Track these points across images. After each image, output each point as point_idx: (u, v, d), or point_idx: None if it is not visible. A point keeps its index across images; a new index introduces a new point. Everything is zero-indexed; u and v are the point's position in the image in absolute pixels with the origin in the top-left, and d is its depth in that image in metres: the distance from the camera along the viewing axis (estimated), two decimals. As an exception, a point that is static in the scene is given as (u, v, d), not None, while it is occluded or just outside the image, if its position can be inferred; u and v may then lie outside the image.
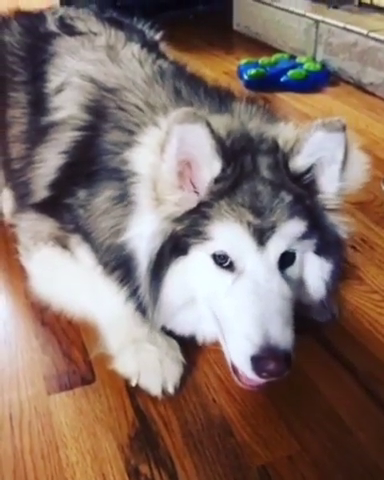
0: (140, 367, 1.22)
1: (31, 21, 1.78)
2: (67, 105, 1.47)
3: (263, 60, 3.10)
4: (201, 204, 1.09)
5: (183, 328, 1.26)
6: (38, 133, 1.51)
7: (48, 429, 1.15)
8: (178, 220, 1.10)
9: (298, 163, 1.10)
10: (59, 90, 1.51)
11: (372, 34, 2.84)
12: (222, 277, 1.09)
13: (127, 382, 1.24)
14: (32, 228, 1.48)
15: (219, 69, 3.30)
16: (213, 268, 1.10)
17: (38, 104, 1.55)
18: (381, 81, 2.83)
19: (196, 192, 1.10)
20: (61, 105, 1.48)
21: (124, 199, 1.22)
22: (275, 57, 3.17)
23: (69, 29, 1.66)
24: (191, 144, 1.04)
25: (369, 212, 1.86)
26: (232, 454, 1.10)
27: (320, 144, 1.08)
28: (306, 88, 2.91)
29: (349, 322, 1.40)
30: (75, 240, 1.38)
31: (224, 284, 1.09)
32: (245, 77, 2.99)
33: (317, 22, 3.20)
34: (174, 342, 1.28)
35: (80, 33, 1.64)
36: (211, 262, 1.10)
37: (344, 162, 1.11)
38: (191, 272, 1.12)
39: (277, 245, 1.08)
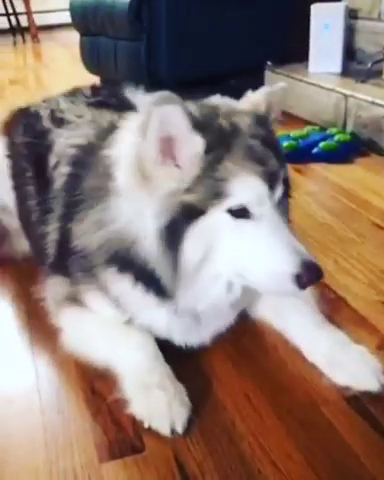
0: (151, 411, 1.34)
1: (29, 121, 1.98)
2: (60, 171, 1.67)
3: (295, 133, 3.24)
4: (206, 171, 1.25)
5: (206, 303, 1.41)
6: (47, 206, 1.69)
7: (101, 497, 1.20)
8: (189, 190, 1.26)
9: (270, 121, 1.41)
10: (56, 166, 1.71)
11: (400, 108, 2.96)
12: (242, 227, 1.28)
13: (176, 451, 1.29)
14: (52, 292, 1.65)
15: (252, 141, 3.45)
16: (231, 221, 1.27)
17: (44, 188, 1.73)
18: (410, 152, 2.93)
19: (182, 166, 1.26)
20: (57, 174, 1.68)
21: (100, 200, 1.41)
22: (306, 129, 3.31)
23: (59, 122, 1.86)
24: (170, 123, 1.21)
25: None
26: None
27: (277, 99, 1.46)
28: (338, 159, 3.02)
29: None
30: (84, 288, 1.53)
31: (245, 232, 1.29)
32: (278, 149, 3.12)
33: (346, 96, 3.35)
34: (181, 387, 1.39)
35: (68, 122, 1.83)
36: (227, 216, 1.27)
37: None
38: (210, 232, 1.28)
39: (280, 188, 1.32)
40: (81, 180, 1.52)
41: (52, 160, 1.74)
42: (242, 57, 4.38)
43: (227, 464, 1.27)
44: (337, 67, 3.80)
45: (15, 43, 8.88)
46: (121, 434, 1.35)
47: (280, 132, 3.28)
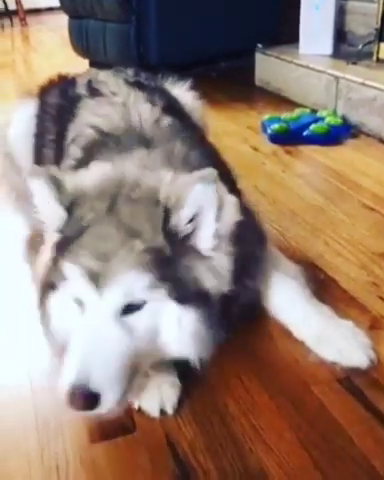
0: (140, 392, 1.34)
1: (65, 84, 1.98)
2: (74, 150, 1.63)
3: (285, 115, 3.23)
4: (58, 248, 1.23)
5: None
6: None
7: (93, 478, 1.20)
8: (47, 263, 1.25)
9: (181, 217, 1.18)
10: (73, 140, 1.68)
11: (391, 89, 2.95)
12: (73, 312, 1.20)
13: (167, 431, 1.30)
14: None
15: (242, 123, 3.44)
16: (73, 304, 1.21)
17: (58, 158, 1.73)
18: (401, 134, 2.92)
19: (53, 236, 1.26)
20: (71, 154, 1.65)
21: None
22: (297, 112, 3.29)
23: (93, 92, 1.82)
24: (40, 196, 1.23)
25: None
26: (270, 503, 1.14)
27: (198, 197, 1.17)
28: (329, 141, 3.01)
29: (379, 371, 1.43)
30: None
31: (73, 318, 1.20)
32: (269, 131, 3.11)
33: (337, 78, 3.32)
34: (172, 368, 1.39)
35: (101, 95, 1.80)
36: (71, 299, 1.21)
37: (218, 209, 1.20)
38: (59, 306, 1.25)
39: (115, 292, 1.12)
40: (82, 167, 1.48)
41: (70, 133, 1.71)
42: (232, 39, 4.36)
43: (218, 443, 1.27)
44: (328, 49, 3.77)
45: (3, 27, 8.78)
46: (113, 416, 1.35)
47: (271, 114, 3.30)
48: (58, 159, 1.73)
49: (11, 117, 2.10)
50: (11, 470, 1.24)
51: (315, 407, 1.35)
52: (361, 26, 3.78)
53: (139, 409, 1.35)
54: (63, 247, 1.20)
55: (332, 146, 3.00)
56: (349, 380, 1.41)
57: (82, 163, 1.50)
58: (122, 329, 1.15)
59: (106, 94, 1.79)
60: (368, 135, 3.12)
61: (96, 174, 1.29)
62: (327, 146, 2.99)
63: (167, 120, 1.62)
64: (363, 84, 3.12)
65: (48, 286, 1.25)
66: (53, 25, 8.16)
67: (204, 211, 1.19)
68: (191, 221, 1.19)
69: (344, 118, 3.19)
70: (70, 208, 1.21)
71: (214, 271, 1.23)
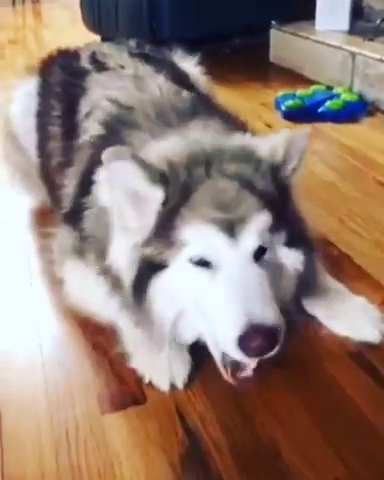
0: (151, 366, 1.34)
1: (67, 59, 1.92)
2: (91, 125, 1.58)
3: (300, 92, 3.17)
4: (162, 222, 1.15)
5: (187, 336, 1.34)
6: (69, 158, 1.63)
7: (103, 447, 1.20)
8: (146, 243, 1.17)
9: (287, 170, 1.22)
10: (88, 115, 1.63)
11: (408, 66, 2.89)
12: (201, 276, 1.14)
13: (177, 403, 1.29)
14: (59, 242, 1.61)
15: (256, 101, 3.39)
16: (193, 270, 1.15)
17: (70, 133, 1.66)
18: (418, 111, 2.87)
19: (151, 217, 1.16)
20: (88, 127, 1.60)
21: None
22: (312, 88, 3.24)
23: (99, 65, 1.78)
24: (126, 179, 1.12)
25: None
26: (280, 475, 1.13)
27: (298, 148, 1.22)
28: (344, 118, 2.96)
29: (391, 347, 1.42)
30: (89, 247, 1.46)
31: (204, 281, 1.14)
32: (283, 108, 3.06)
33: (353, 54, 3.26)
34: (182, 343, 1.36)
35: (109, 69, 1.76)
36: (190, 266, 1.15)
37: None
38: (174, 282, 1.18)
39: (249, 237, 1.12)
40: (110, 145, 1.44)
41: (84, 107, 1.66)
42: (247, 15, 4.26)
43: (229, 416, 1.26)
44: (344, 25, 3.69)
45: (14, 3, 8.68)
46: (122, 387, 1.35)
47: (285, 91, 3.24)
48: (68, 136, 1.67)
49: (12, 94, 2.06)
50: (21, 435, 1.25)
51: (327, 382, 1.34)
52: (379, 2, 3.70)
53: (149, 383, 1.34)
54: (172, 218, 1.13)
55: (347, 123, 2.95)
56: (361, 355, 1.40)
57: (107, 139, 1.45)
58: (263, 269, 1.15)
59: (113, 67, 1.76)
60: (384, 112, 3.07)
61: (168, 147, 1.24)
62: (342, 123, 2.94)
63: (185, 92, 1.59)
64: (381, 60, 3.06)
65: (147, 272, 1.18)
66: (66, 2, 8.05)
67: (301, 162, 1.24)
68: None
69: (360, 95, 3.14)
70: (165, 182, 1.14)
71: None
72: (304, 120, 2.96)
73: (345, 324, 1.46)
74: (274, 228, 1.17)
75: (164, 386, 1.32)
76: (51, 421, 1.27)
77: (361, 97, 3.12)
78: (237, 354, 1.08)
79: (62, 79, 1.83)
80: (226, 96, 3.47)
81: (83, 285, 1.53)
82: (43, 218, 2.08)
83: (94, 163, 1.41)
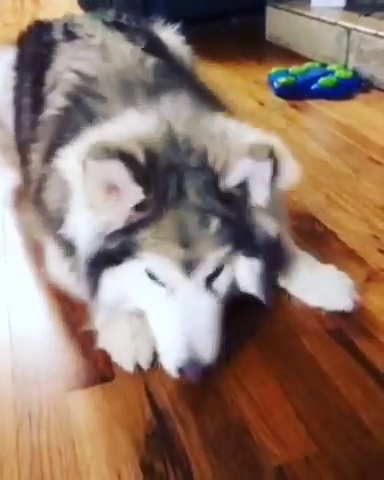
0: (115, 344, 1.30)
1: (40, 30, 1.87)
2: (56, 98, 1.51)
3: (293, 69, 3.09)
4: (129, 228, 1.11)
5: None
6: (35, 132, 1.57)
7: (66, 426, 1.16)
8: (109, 238, 1.13)
9: (228, 184, 1.11)
10: (52, 88, 1.56)
11: (404, 40, 2.81)
12: (155, 289, 1.17)
13: (147, 381, 1.24)
14: (34, 217, 1.56)
15: (250, 78, 3.31)
16: (146, 279, 1.16)
17: (38, 106, 1.61)
18: (414, 87, 2.79)
19: (123, 210, 1.11)
20: (52, 99, 1.53)
21: None
22: (306, 66, 3.15)
23: (69, 35, 1.72)
24: (108, 176, 1.06)
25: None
26: (248, 454, 1.08)
27: (249, 169, 1.09)
28: (337, 95, 2.88)
29: (372, 323, 1.37)
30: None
31: (157, 295, 1.17)
32: (275, 85, 2.99)
33: (349, 30, 3.18)
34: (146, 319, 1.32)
35: (77, 37, 1.70)
36: (144, 274, 1.16)
37: (274, 176, 1.11)
38: (125, 280, 1.18)
39: (205, 271, 1.15)
40: (72, 122, 1.37)
41: (49, 79, 1.60)
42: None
43: (199, 393, 1.22)
44: (341, 1, 3.60)
45: (12, -13, 8.59)
46: (91, 365, 1.31)
47: (278, 68, 3.17)
48: (36, 108, 1.61)
49: None
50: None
51: (303, 358, 1.29)
52: (377, -24, 3.60)
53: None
54: (139, 231, 1.11)
55: (341, 100, 2.88)
56: (340, 331, 1.35)
57: (69, 112, 1.40)
58: (212, 296, 1.18)
59: (82, 36, 1.69)
60: (379, 89, 2.99)
61: (140, 127, 1.16)
62: (336, 100, 2.87)
63: (151, 60, 1.52)
64: (376, 35, 2.98)
65: (106, 259, 1.16)
66: (64, -15, 7.98)
67: (252, 182, 1.12)
68: (240, 187, 1.13)
69: (355, 72, 3.05)
70: (148, 187, 1.08)
71: (270, 216, 1.21)
72: (297, 97, 2.90)
73: (317, 294, 1.41)
74: (234, 250, 1.18)
75: (128, 365, 1.27)
76: (14, 405, 1.22)
77: (356, 73, 3.04)
78: (174, 374, 1.16)
79: (33, 50, 1.79)
80: (219, 74, 3.41)
81: (57, 262, 1.49)
82: (23, 193, 2.02)
83: (58, 137, 1.37)
